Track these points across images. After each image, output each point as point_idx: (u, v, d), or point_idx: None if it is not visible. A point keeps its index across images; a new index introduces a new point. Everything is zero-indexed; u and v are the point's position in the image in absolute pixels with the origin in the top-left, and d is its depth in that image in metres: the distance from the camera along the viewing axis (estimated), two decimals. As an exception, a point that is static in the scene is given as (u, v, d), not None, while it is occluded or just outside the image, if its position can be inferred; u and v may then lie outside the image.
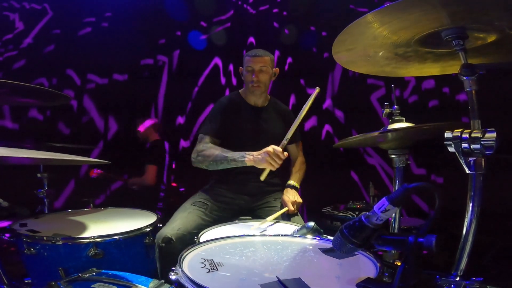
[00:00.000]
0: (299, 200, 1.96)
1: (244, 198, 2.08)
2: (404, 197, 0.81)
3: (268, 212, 1.98)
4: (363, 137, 1.51)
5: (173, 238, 1.62)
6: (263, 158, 1.70)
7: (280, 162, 1.70)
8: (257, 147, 1.79)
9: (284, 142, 1.76)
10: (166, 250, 1.60)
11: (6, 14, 3.04)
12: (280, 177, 2.15)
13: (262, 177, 1.79)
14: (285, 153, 1.71)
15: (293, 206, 1.89)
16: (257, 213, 2.04)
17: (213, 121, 2.04)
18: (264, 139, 2.04)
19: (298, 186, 2.06)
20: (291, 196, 1.96)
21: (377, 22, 1.09)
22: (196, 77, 3.31)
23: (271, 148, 1.70)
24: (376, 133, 1.44)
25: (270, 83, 2.14)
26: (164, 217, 1.83)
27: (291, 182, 2.07)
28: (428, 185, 0.78)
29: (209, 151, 1.90)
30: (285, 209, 1.86)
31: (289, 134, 1.78)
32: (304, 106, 1.73)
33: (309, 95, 1.75)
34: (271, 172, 2.11)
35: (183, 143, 3.25)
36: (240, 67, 2.14)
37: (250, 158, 1.76)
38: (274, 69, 2.13)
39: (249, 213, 2.08)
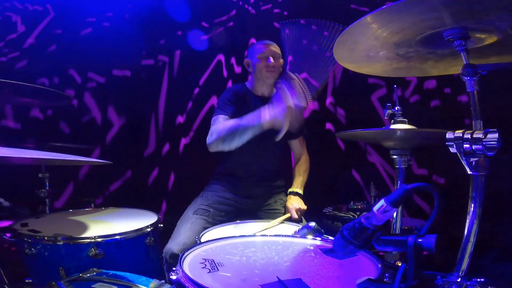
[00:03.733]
0: (303, 207, 1.93)
1: (246, 201, 2.06)
2: (403, 198, 0.81)
3: (270, 215, 1.98)
4: (370, 131, 1.50)
5: (179, 254, 1.62)
6: (283, 113, 1.56)
7: (301, 116, 1.57)
8: (265, 137, 1.74)
9: (314, 95, 1.60)
10: (174, 264, 1.62)
11: (9, 14, 3.05)
12: (282, 178, 2.14)
13: (278, 138, 1.62)
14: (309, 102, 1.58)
15: (297, 213, 1.87)
16: (260, 216, 2.02)
17: (225, 104, 2.01)
18: (273, 129, 1.99)
19: (301, 193, 2.02)
20: (295, 203, 1.93)
21: (378, 23, 1.09)
22: (197, 76, 3.31)
23: (290, 101, 1.55)
24: (385, 129, 1.44)
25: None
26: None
27: (294, 188, 2.03)
28: (426, 185, 0.78)
29: (221, 125, 1.84)
30: (288, 215, 1.84)
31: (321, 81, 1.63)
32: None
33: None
34: (273, 174, 2.09)
35: (184, 141, 3.25)
36: (246, 60, 2.13)
37: (267, 117, 1.62)
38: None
39: (251, 216, 2.07)
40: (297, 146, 2.21)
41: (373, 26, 1.09)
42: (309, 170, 2.18)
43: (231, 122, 1.78)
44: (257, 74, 2.08)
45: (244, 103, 2.07)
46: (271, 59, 2.04)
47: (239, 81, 2.17)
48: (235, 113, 1.97)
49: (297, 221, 1.85)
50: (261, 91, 2.13)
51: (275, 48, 2.09)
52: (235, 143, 1.74)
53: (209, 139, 1.87)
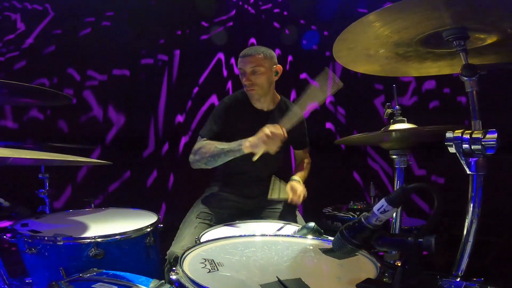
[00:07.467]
0: (305, 192, 1.86)
1: (247, 201, 2.05)
2: (403, 197, 0.81)
3: (271, 214, 1.97)
4: (366, 135, 1.50)
5: None
6: (261, 141, 1.59)
7: (279, 143, 1.58)
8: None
9: (283, 125, 1.62)
10: None
11: (8, 14, 3.04)
12: (283, 179, 2.14)
13: (255, 158, 1.66)
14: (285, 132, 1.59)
15: (296, 194, 1.80)
16: (261, 215, 2.01)
17: (214, 123, 1.94)
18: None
19: (301, 182, 1.95)
20: (299, 186, 1.86)
21: (379, 22, 1.09)
22: (197, 76, 3.31)
23: (267, 129, 1.58)
24: (380, 132, 1.44)
25: (272, 83, 1.95)
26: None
27: (295, 177, 1.95)
28: (426, 185, 0.78)
29: (205, 147, 1.82)
30: (286, 196, 1.79)
31: (290, 121, 1.66)
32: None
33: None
34: (273, 173, 2.09)
35: (184, 139, 3.26)
36: None
37: (247, 145, 1.66)
38: (274, 66, 1.92)
39: (252, 216, 2.06)
40: (300, 155, 2.19)
41: (376, 24, 1.10)
42: (309, 169, 2.14)
43: (214, 147, 1.78)
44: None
45: (239, 115, 1.95)
46: (246, 77, 1.87)
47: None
48: (228, 126, 1.92)
49: (293, 217, 1.83)
50: (259, 105, 1.98)
51: (253, 59, 1.86)
52: (217, 164, 1.81)
53: (192, 158, 1.86)
